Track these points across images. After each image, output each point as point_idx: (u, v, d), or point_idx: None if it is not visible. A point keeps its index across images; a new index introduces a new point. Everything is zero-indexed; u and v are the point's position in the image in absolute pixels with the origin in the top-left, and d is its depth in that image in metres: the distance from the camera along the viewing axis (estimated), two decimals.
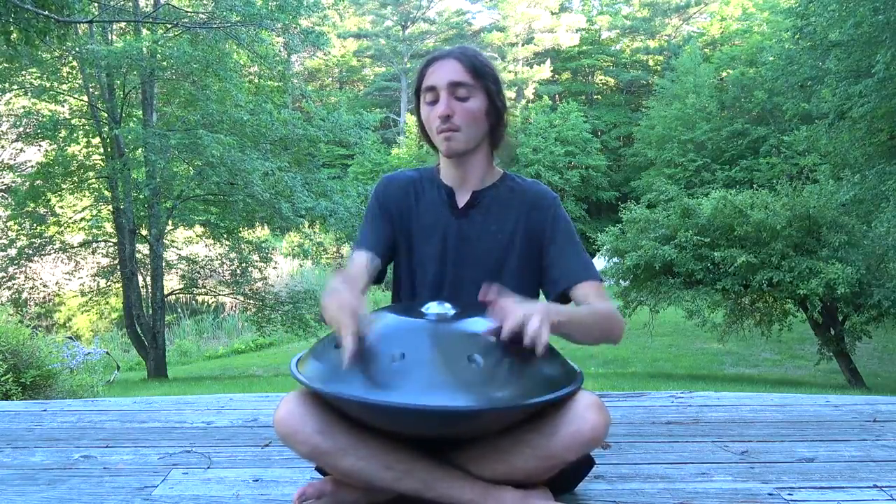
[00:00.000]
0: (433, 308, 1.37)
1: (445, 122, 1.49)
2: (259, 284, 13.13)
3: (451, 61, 1.50)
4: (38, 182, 12.07)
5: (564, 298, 1.54)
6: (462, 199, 1.58)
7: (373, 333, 1.31)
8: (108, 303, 13.69)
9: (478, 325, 1.34)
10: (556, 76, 35.18)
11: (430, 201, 1.59)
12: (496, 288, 1.33)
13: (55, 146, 12.43)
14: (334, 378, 1.25)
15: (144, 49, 10.32)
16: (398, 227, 1.60)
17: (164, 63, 10.65)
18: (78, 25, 10.16)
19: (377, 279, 1.58)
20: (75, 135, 12.63)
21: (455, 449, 1.35)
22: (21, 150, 12.57)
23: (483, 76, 1.50)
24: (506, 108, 1.55)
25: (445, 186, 1.60)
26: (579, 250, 1.57)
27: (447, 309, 1.36)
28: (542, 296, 1.60)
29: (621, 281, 10.14)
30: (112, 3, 11.17)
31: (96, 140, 12.64)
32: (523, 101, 32.19)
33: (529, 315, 1.23)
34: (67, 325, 15.35)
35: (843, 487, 1.59)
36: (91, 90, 12.03)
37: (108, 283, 13.20)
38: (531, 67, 34.34)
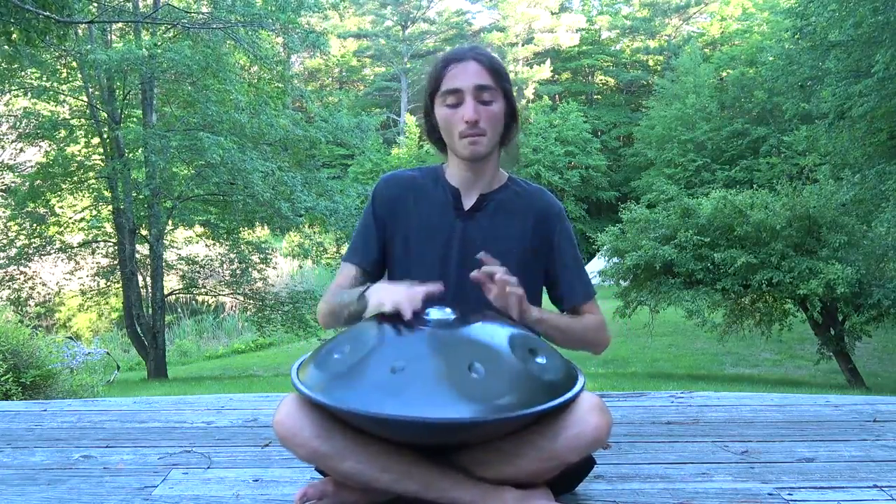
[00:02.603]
0: (434, 314, 1.35)
1: (473, 128, 1.47)
2: (259, 284, 13.13)
3: (473, 63, 1.48)
4: (38, 182, 12.07)
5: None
6: (468, 202, 1.57)
7: (372, 340, 1.30)
8: (107, 303, 13.69)
9: (478, 330, 1.33)
10: (556, 76, 35.19)
11: (433, 202, 1.58)
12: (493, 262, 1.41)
13: (55, 146, 12.43)
14: (335, 388, 1.24)
15: (144, 52, 10.32)
16: (392, 229, 1.59)
17: (164, 65, 10.65)
18: (77, 26, 10.16)
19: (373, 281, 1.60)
20: (75, 135, 12.63)
21: (457, 451, 1.35)
22: (21, 150, 12.58)
23: (502, 78, 1.50)
24: (517, 109, 1.55)
25: (451, 187, 1.58)
26: (580, 267, 1.61)
27: (447, 314, 1.35)
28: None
29: (621, 281, 10.14)
30: (112, 3, 11.17)
31: (96, 140, 12.65)
32: (523, 101, 32.18)
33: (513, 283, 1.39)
34: (67, 325, 15.35)
35: (843, 487, 1.59)
36: (91, 91, 12.04)
37: (108, 283, 13.20)
38: (531, 67, 34.36)
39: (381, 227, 1.60)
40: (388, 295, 1.36)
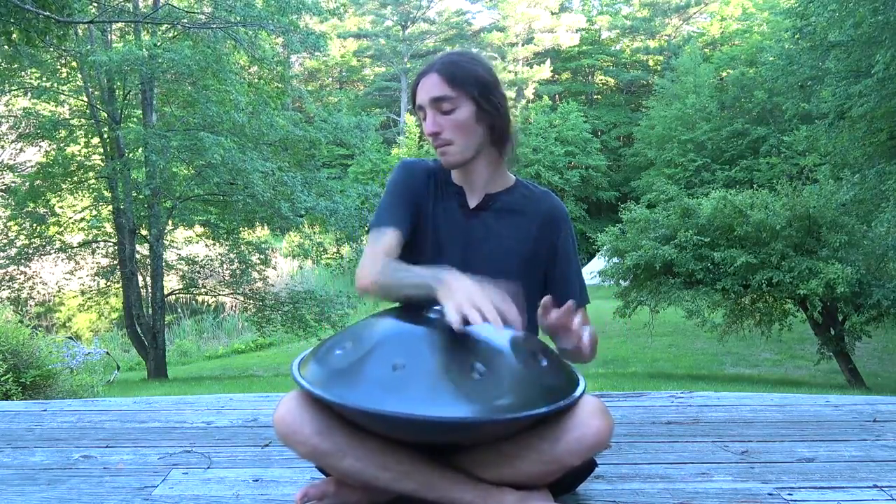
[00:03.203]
0: (436, 312, 1.35)
1: (437, 139, 1.49)
2: (259, 284, 13.13)
3: (432, 76, 1.49)
4: (38, 182, 12.07)
5: None
6: (473, 200, 1.58)
7: (374, 337, 1.30)
8: (108, 303, 13.69)
9: (480, 331, 1.33)
10: (556, 76, 35.19)
11: (442, 197, 1.59)
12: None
13: (55, 146, 12.43)
14: (336, 383, 1.24)
15: (144, 52, 10.32)
16: (416, 210, 1.56)
17: (164, 65, 10.66)
18: (77, 26, 10.16)
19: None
20: (75, 135, 12.64)
21: (458, 452, 1.35)
22: (21, 150, 12.58)
23: (463, 84, 1.47)
24: (501, 107, 1.51)
25: (456, 186, 1.60)
26: (579, 272, 1.62)
27: None
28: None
29: (621, 281, 10.14)
30: (112, 3, 11.18)
31: (96, 140, 12.65)
32: (523, 101, 32.19)
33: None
34: (67, 325, 15.36)
35: (843, 487, 1.59)
36: (91, 91, 12.04)
37: (108, 283, 13.21)
38: (531, 67, 34.35)
39: (413, 201, 1.56)
40: (470, 299, 1.24)
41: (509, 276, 1.51)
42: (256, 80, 13.14)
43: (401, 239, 1.51)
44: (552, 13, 35.84)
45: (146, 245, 12.18)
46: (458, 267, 1.51)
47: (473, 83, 1.49)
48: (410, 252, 1.55)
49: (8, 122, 12.16)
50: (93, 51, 10.58)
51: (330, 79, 38.40)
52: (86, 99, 12.15)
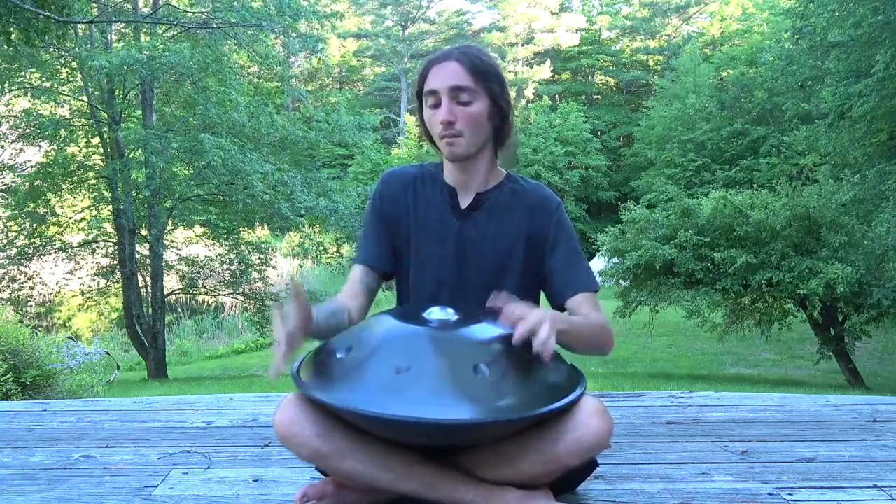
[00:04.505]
0: (435, 314, 1.35)
1: (448, 129, 1.47)
2: (259, 284, 13.13)
3: (452, 64, 1.47)
4: (38, 182, 12.07)
5: (561, 308, 1.54)
6: (465, 200, 1.56)
7: (375, 340, 1.30)
8: (108, 303, 13.69)
9: (481, 331, 1.32)
10: (556, 76, 35.17)
11: (430, 201, 1.57)
12: (504, 295, 1.34)
13: (55, 146, 12.44)
14: (339, 387, 1.23)
15: (144, 55, 10.31)
16: (395, 227, 1.58)
17: (164, 66, 10.65)
18: (77, 27, 10.16)
19: (386, 278, 1.60)
20: (75, 135, 12.64)
21: (459, 453, 1.35)
22: (21, 150, 12.58)
23: (486, 78, 1.47)
24: (510, 108, 1.52)
25: (448, 186, 1.58)
26: (579, 258, 1.57)
27: (449, 314, 1.35)
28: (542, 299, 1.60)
29: (621, 281, 10.13)
30: (112, 3, 11.18)
31: (96, 140, 12.65)
32: (523, 101, 32.18)
33: (539, 323, 1.23)
34: (67, 325, 15.35)
35: (843, 487, 1.58)
36: (91, 91, 12.04)
37: (108, 283, 13.21)
38: (531, 67, 34.34)
39: (384, 224, 1.59)
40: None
41: (506, 274, 1.51)
42: (256, 80, 13.13)
43: (366, 270, 1.58)
44: (552, 13, 35.82)
45: (146, 245, 12.18)
46: (454, 270, 1.52)
47: (494, 79, 1.48)
48: (409, 262, 1.56)
49: (8, 122, 12.15)
50: (92, 52, 10.57)
51: (330, 79, 38.38)
52: (86, 99, 12.15)
